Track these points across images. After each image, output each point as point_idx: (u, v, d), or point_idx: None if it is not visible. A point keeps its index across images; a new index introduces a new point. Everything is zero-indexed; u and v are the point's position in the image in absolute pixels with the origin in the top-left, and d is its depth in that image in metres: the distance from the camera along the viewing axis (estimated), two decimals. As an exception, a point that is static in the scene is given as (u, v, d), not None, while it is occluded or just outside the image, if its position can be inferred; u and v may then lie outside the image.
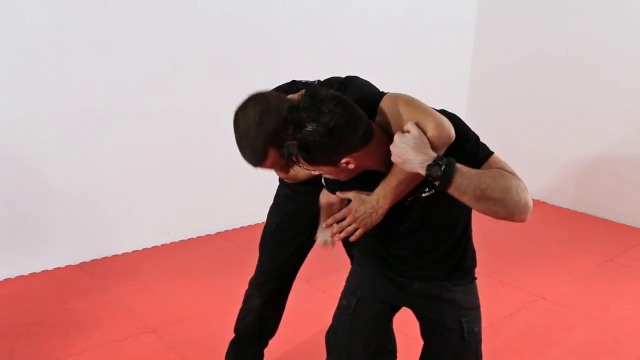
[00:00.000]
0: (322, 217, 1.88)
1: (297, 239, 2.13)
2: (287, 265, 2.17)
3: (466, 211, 1.57)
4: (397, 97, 1.45)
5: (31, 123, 3.19)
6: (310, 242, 2.11)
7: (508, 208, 1.32)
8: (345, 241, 1.95)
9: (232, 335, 2.34)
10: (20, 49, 3.07)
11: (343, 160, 1.36)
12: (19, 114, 3.14)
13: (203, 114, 3.80)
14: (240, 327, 2.30)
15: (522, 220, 1.36)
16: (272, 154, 1.53)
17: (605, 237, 4.24)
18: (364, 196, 1.49)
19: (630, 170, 4.46)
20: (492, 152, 1.44)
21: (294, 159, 1.37)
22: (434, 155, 1.31)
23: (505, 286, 3.38)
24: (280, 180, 2.12)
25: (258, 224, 4.13)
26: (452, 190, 1.32)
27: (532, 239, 4.15)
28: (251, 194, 4.08)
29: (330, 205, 1.78)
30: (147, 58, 3.50)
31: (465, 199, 1.33)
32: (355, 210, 1.50)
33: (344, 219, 1.52)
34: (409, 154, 1.32)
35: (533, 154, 4.88)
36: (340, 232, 1.52)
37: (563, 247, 4.03)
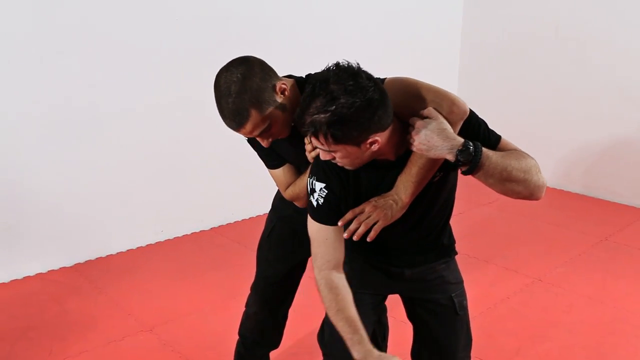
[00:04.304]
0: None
1: (293, 242, 2.03)
2: (283, 269, 2.08)
3: (454, 191, 1.60)
4: (401, 81, 1.42)
5: (19, 123, 3.15)
6: (308, 245, 2.03)
7: (529, 188, 1.37)
8: None
9: (230, 330, 2.32)
10: (1, 48, 3.03)
11: (370, 140, 1.30)
12: (5, 114, 3.10)
13: (191, 109, 3.76)
14: (242, 330, 2.27)
15: (538, 199, 1.41)
16: (254, 115, 1.47)
17: (600, 217, 4.25)
18: (383, 195, 1.45)
19: (622, 149, 4.46)
20: (501, 136, 1.46)
21: (318, 135, 1.28)
22: (461, 140, 1.31)
23: (502, 270, 3.38)
24: None
25: (252, 217, 4.12)
26: (479, 174, 1.33)
27: (527, 222, 4.15)
28: (244, 187, 4.06)
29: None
30: (132, 54, 3.46)
31: (491, 182, 1.35)
32: (376, 201, 1.44)
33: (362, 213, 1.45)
34: (435, 140, 1.31)
35: (524, 136, 4.82)
36: (358, 228, 1.44)
37: (558, 228, 4.04)
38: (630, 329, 2.77)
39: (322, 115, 1.25)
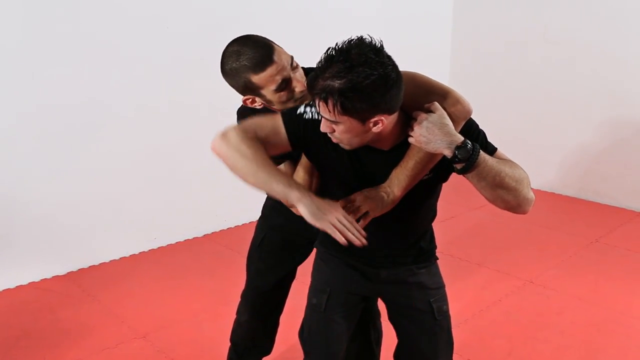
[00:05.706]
0: None
1: (285, 252, 2.05)
2: (274, 278, 2.09)
3: (437, 199, 1.60)
4: (410, 74, 1.42)
5: (10, 132, 3.14)
6: (299, 254, 2.05)
7: (518, 199, 1.39)
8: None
9: (223, 337, 2.33)
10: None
11: (376, 118, 1.28)
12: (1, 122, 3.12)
13: (184, 116, 3.77)
14: (234, 337, 2.28)
15: (525, 212, 1.43)
16: (278, 49, 1.54)
17: (590, 219, 4.28)
18: (375, 186, 1.44)
19: (612, 152, 4.51)
20: (497, 148, 1.47)
21: (328, 101, 1.25)
22: (461, 137, 1.32)
23: (494, 272, 3.40)
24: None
25: (245, 224, 4.12)
26: (472, 175, 1.33)
27: (519, 225, 4.17)
28: (237, 194, 4.04)
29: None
30: (123, 62, 3.47)
31: (483, 185, 1.35)
32: (367, 191, 1.43)
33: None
34: (436, 133, 1.31)
35: (516, 141, 4.89)
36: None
37: (549, 231, 4.06)
38: (621, 330, 2.79)
39: (338, 81, 1.22)
